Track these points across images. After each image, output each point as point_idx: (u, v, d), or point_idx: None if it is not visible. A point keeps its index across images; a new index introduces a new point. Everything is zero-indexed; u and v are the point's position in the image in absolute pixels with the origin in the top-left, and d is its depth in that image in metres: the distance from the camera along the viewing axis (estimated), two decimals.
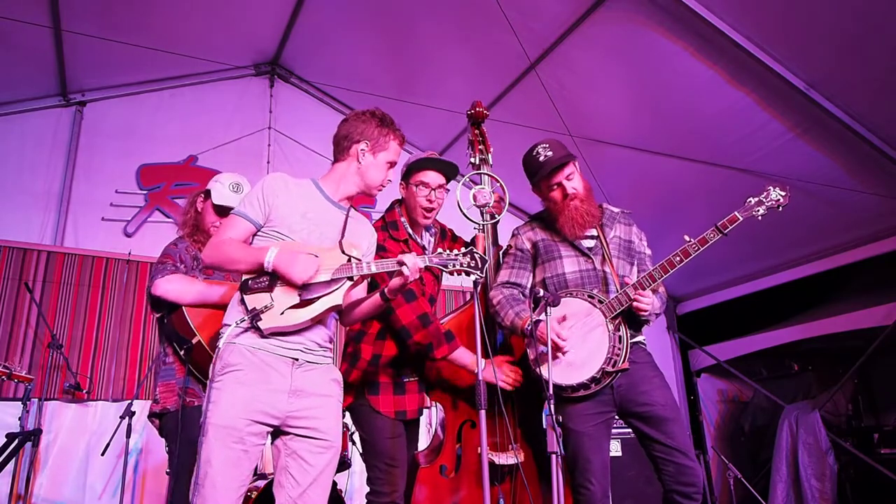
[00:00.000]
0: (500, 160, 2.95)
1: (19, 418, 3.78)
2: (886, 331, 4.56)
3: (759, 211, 2.49)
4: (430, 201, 2.68)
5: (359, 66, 5.30)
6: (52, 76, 4.78)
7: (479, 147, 2.88)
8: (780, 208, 2.48)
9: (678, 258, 2.44)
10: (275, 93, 5.74)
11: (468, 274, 2.16)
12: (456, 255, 2.16)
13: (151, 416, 2.59)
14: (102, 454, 3.93)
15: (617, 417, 2.59)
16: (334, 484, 3.89)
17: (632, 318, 2.53)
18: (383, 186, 2.33)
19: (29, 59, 4.55)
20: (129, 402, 3.84)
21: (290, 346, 2.06)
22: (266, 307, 2.00)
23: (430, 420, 4.86)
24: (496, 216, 2.79)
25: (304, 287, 2.03)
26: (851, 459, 4.88)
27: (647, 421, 2.47)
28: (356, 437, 3.46)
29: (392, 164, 2.33)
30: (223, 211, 2.65)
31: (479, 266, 2.16)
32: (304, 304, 2.05)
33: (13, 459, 3.71)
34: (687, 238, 2.46)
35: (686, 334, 6.16)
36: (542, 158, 2.63)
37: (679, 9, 3.69)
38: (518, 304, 2.60)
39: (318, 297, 2.06)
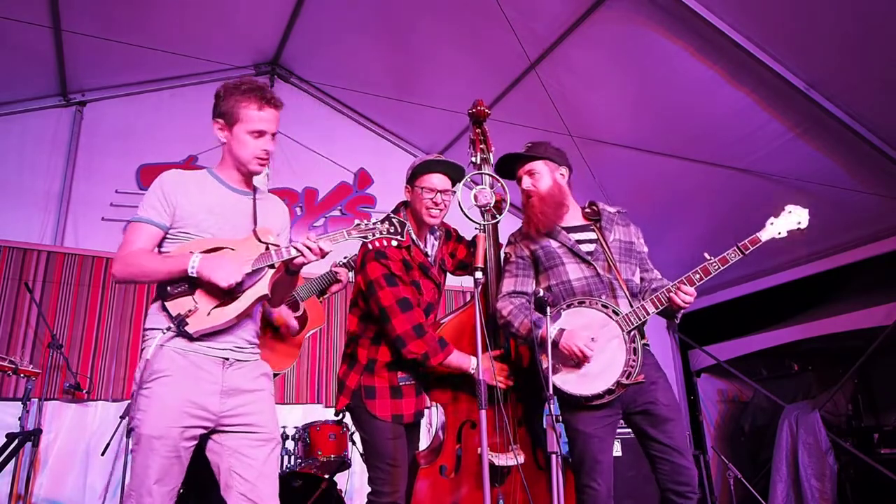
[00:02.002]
0: (496, 162, 2.95)
1: (19, 418, 3.77)
2: (886, 331, 4.55)
3: (780, 233, 2.48)
4: (436, 204, 2.67)
5: (359, 65, 5.30)
6: (52, 76, 4.78)
7: (481, 146, 2.88)
8: (801, 230, 2.48)
9: (698, 276, 2.44)
10: (275, 93, 5.72)
11: (390, 239, 2.11)
12: (374, 224, 2.11)
13: None
14: (102, 454, 3.94)
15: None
16: (334, 484, 3.90)
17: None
18: (260, 159, 2.15)
19: (29, 59, 4.55)
20: (129, 402, 3.85)
21: (220, 347, 2.03)
22: (190, 311, 1.95)
23: (431, 420, 4.86)
24: (497, 216, 2.78)
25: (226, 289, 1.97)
26: (851, 459, 4.88)
27: (648, 419, 2.48)
28: (356, 438, 3.47)
29: (259, 133, 2.12)
30: None
31: (399, 230, 2.12)
32: (229, 300, 2.00)
33: (13, 459, 3.70)
34: (707, 256, 2.46)
35: (686, 334, 6.16)
36: (511, 153, 2.68)
37: (679, 9, 3.69)
38: (531, 312, 2.58)
39: (243, 291, 2.01)
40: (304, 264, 2.07)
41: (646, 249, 2.77)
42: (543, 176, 2.66)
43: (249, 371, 2.10)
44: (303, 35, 5.21)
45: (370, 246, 2.62)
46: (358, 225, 2.10)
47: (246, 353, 2.10)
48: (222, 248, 2.03)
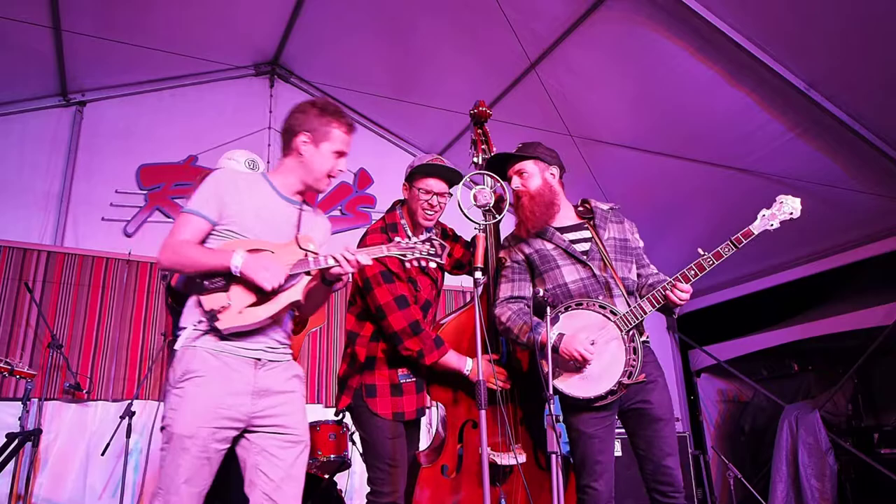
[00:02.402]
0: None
1: (19, 418, 3.77)
2: (886, 331, 4.55)
3: (773, 224, 2.47)
4: (432, 206, 2.69)
5: (359, 66, 5.30)
6: (52, 76, 4.78)
7: (482, 147, 2.89)
8: (793, 219, 2.47)
9: (693, 272, 2.44)
10: (275, 93, 5.74)
11: (429, 261, 2.14)
12: (414, 242, 2.11)
13: None
14: (102, 454, 3.94)
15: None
16: (334, 484, 3.90)
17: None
18: (331, 177, 2.22)
19: (29, 59, 4.55)
20: (129, 402, 3.85)
21: (252, 347, 2.04)
22: (223, 307, 1.96)
23: (431, 420, 4.86)
24: (497, 216, 2.78)
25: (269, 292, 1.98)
26: (851, 459, 4.88)
27: (639, 418, 2.49)
28: (356, 438, 3.47)
29: (339, 154, 2.19)
30: None
31: (439, 252, 2.12)
32: (262, 301, 2.00)
33: (13, 459, 3.71)
34: (701, 251, 2.45)
35: (686, 334, 6.16)
36: (501, 153, 2.67)
37: (679, 9, 3.70)
38: (529, 317, 2.58)
39: (277, 294, 2.01)
40: (339, 276, 2.09)
41: (641, 244, 2.76)
42: (533, 176, 2.65)
43: (281, 372, 2.11)
44: (303, 35, 5.21)
45: (367, 242, 2.65)
46: (399, 242, 2.12)
47: (278, 353, 2.12)
48: (263, 251, 2.04)
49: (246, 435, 2.04)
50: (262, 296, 2.00)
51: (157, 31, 4.68)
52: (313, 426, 3.89)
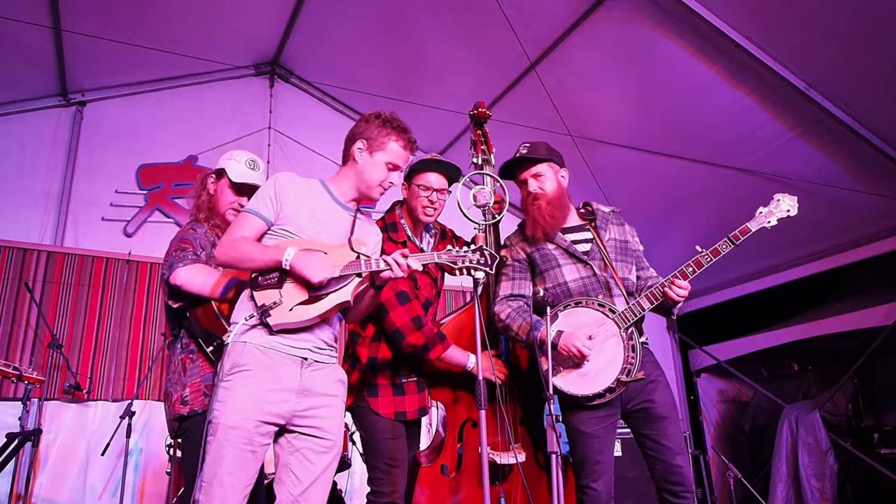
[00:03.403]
0: (500, 160, 2.95)
1: (19, 418, 3.78)
2: (886, 331, 4.55)
3: (770, 221, 2.47)
4: (432, 202, 2.69)
5: (359, 65, 5.30)
6: (52, 76, 4.79)
7: (482, 147, 2.88)
8: (790, 217, 2.47)
9: (690, 269, 2.44)
10: (275, 93, 5.74)
11: (477, 270, 2.14)
12: (465, 251, 2.14)
13: (179, 418, 2.33)
14: (102, 454, 3.94)
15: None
16: (334, 484, 3.89)
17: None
18: (383, 188, 2.27)
19: (29, 59, 4.55)
20: (129, 402, 3.86)
21: (299, 346, 2.07)
22: (275, 303, 2.01)
23: (431, 420, 4.86)
24: (497, 216, 2.78)
25: (316, 284, 2.03)
26: (851, 459, 4.88)
27: (644, 418, 2.49)
28: (356, 437, 3.47)
29: (393, 167, 2.26)
30: (243, 189, 2.55)
31: (490, 263, 2.14)
32: (312, 300, 2.04)
33: (13, 459, 3.70)
34: (699, 248, 2.45)
35: (686, 334, 6.16)
36: (516, 156, 2.65)
37: (679, 9, 3.70)
38: (529, 315, 2.59)
39: (327, 294, 2.05)
40: (389, 279, 2.12)
41: (641, 248, 2.77)
42: (549, 178, 2.65)
43: (327, 375, 2.14)
44: (303, 35, 5.21)
45: None
46: (450, 250, 2.14)
47: (324, 354, 2.14)
48: (316, 251, 2.08)
49: (284, 433, 2.07)
50: (313, 295, 2.04)
51: (157, 31, 4.68)
52: None
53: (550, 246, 2.64)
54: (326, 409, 2.10)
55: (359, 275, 2.08)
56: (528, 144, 2.71)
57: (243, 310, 2.08)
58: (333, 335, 2.20)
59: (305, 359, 2.07)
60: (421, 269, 2.10)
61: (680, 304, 2.49)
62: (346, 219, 2.26)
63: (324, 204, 2.23)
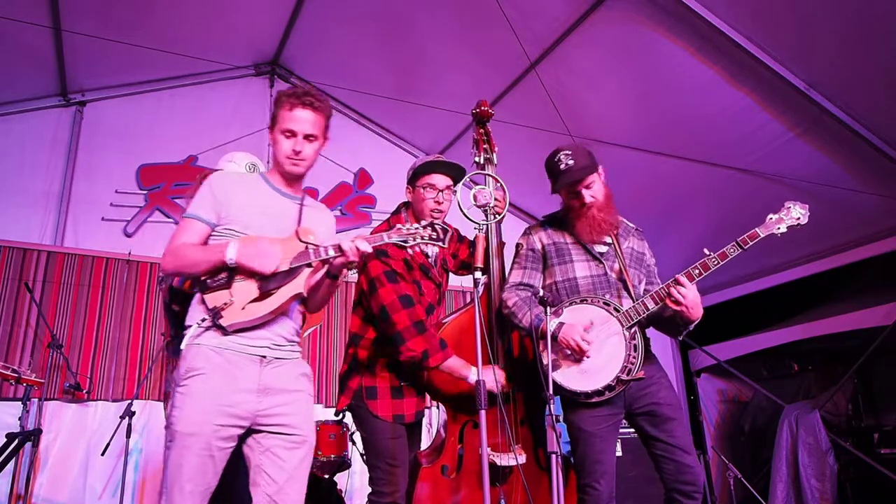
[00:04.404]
0: (501, 160, 2.95)
1: (19, 418, 3.78)
2: (886, 331, 4.55)
3: (780, 228, 2.46)
4: (439, 203, 2.68)
5: (359, 65, 5.30)
6: (52, 76, 4.78)
7: (484, 146, 2.88)
8: (800, 226, 2.47)
9: (697, 271, 2.43)
10: (275, 93, 5.71)
11: (429, 245, 2.10)
12: (416, 228, 2.10)
13: None
14: (102, 454, 3.94)
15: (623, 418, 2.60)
16: (334, 484, 3.90)
17: (658, 323, 2.55)
18: (291, 159, 2.16)
19: (29, 59, 4.55)
20: (129, 402, 3.86)
21: (256, 344, 2.03)
22: (226, 304, 1.97)
23: (431, 420, 4.87)
24: (497, 216, 2.78)
25: (264, 279, 1.99)
26: (851, 459, 4.88)
27: (651, 419, 2.48)
28: (356, 438, 3.46)
29: (290, 133, 2.14)
30: None
31: (441, 237, 2.10)
32: (264, 296, 2.00)
33: (13, 459, 3.70)
34: (707, 252, 2.45)
35: (686, 334, 6.15)
36: (562, 167, 2.61)
37: (679, 9, 3.69)
38: (535, 306, 2.60)
39: (279, 288, 2.01)
40: (343, 266, 2.08)
41: (655, 268, 2.80)
42: (597, 184, 2.66)
43: (289, 370, 2.10)
44: (303, 35, 5.21)
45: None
46: (399, 228, 2.10)
47: (284, 350, 2.10)
48: (259, 238, 2.05)
49: (251, 434, 2.03)
50: (265, 291, 2.00)
51: (157, 31, 4.68)
52: (314, 426, 3.90)
53: (569, 240, 2.66)
54: (292, 406, 2.06)
55: (309, 265, 2.04)
56: (569, 152, 2.64)
57: (195, 314, 2.03)
58: (294, 329, 2.16)
59: (264, 357, 2.04)
60: (370, 251, 2.04)
61: (689, 312, 2.43)
62: (292, 208, 2.22)
63: (266, 197, 2.19)
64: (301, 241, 2.09)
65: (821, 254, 5.01)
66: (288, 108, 2.15)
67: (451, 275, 3.02)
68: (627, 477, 4.14)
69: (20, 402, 3.80)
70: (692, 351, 6.23)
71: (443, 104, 5.00)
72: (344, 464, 3.93)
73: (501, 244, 2.93)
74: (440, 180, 2.69)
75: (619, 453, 4.16)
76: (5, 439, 3.51)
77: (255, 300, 2.00)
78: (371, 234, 2.68)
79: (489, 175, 2.67)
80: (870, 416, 5.37)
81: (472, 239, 2.91)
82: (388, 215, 2.90)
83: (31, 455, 4.14)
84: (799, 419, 5.12)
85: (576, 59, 4.43)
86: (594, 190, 2.64)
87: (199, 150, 5.22)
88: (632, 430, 2.64)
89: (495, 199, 2.65)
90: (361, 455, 2.84)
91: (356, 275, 2.77)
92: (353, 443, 3.96)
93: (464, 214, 2.37)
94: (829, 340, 5.12)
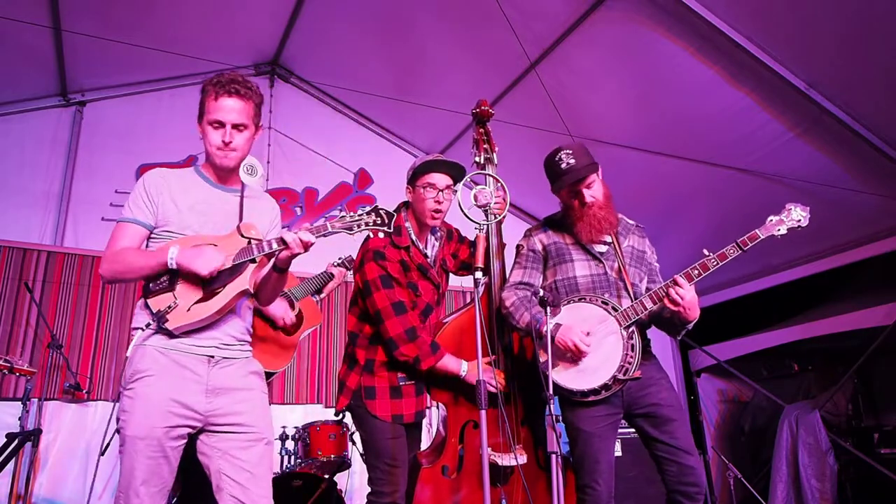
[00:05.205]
0: (501, 160, 2.95)
1: (19, 418, 3.78)
2: (886, 331, 4.55)
3: (780, 230, 2.46)
4: (439, 203, 2.67)
5: (359, 65, 5.30)
6: (52, 76, 4.78)
7: (484, 146, 2.88)
8: (801, 228, 2.47)
9: (696, 272, 2.43)
10: (275, 93, 5.74)
11: (375, 231, 2.04)
12: (360, 215, 2.03)
13: None
14: (102, 454, 3.93)
15: (622, 418, 2.59)
16: (334, 484, 3.89)
17: (658, 323, 2.55)
18: (221, 150, 2.10)
19: (29, 59, 4.55)
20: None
21: (204, 344, 2.00)
22: (170, 307, 1.94)
23: (431, 420, 4.86)
24: (497, 216, 2.78)
25: (207, 279, 1.95)
26: (851, 459, 4.87)
27: (652, 421, 2.48)
28: (356, 437, 3.46)
29: (217, 123, 2.08)
30: None
31: (386, 222, 2.04)
32: (209, 295, 1.97)
33: (13, 459, 3.70)
34: (706, 252, 2.45)
35: (686, 334, 6.15)
36: (563, 166, 2.61)
37: (679, 9, 3.69)
38: (533, 306, 2.60)
39: (223, 287, 1.98)
40: (289, 258, 2.02)
41: (657, 265, 2.79)
42: (597, 183, 2.67)
43: (237, 369, 2.06)
44: (303, 35, 5.21)
45: (369, 245, 2.64)
46: (343, 217, 2.02)
47: (233, 350, 2.07)
48: (203, 245, 2.00)
49: (205, 438, 2.00)
50: (209, 291, 1.97)
51: (157, 31, 4.68)
52: (313, 426, 3.90)
53: (569, 240, 2.66)
54: (243, 404, 2.02)
55: (253, 261, 2.00)
56: (570, 151, 2.65)
57: (140, 319, 1.99)
58: (244, 328, 2.13)
59: (212, 357, 2.00)
60: (314, 241, 1.97)
61: (687, 313, 2.44)
62: (232, 202, 2.16)
63: (203, 193, 2.13)
64: (243, 236, 2.05)
65: (821, 254, 5.01)
66: (213, 97, 2.07)
67: (450, 275, 3.02)
68: (627, 477, 4.14)
69: (20, 402, 3.79)
70: (692, 351, 6.23)
71: (443, 104, 5.00)
72: (344, 464, 3.93)
73: (502, 244, 2.93)
74: (440, 180, 2.68)
75: (618, 453, 4.17)
76: (5, 439, 3.51)
77: (200, 301, 1.96)
78: (370, 239, 2.69)
79: (490, 175, 2.67)
80: (870, 416, 5.37)
81: (472, 239, 2.91)
82: None
83: (31, 455, 4.14)
84: (799, 419, 5.12)
85: (576, 59, 4.43)
86: (594, 190, 2.64)
87: (199, 150, 5.15)
88: (632, 429, 2.64)
89: (496, 199, 2.66)
90: (361, 455, 2.83)
91: (352, 274, 2.77)
92: (353, 443, 3.96)
93: (464, 214, 2.37)
94: (829, 340, 5.12)
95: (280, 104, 5.72)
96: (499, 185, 2.68)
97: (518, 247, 2.82)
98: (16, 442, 3.53)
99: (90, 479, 4.34)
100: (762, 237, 2.45)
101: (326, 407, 5.09)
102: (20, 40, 4.28)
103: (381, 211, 2.05)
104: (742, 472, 4.80)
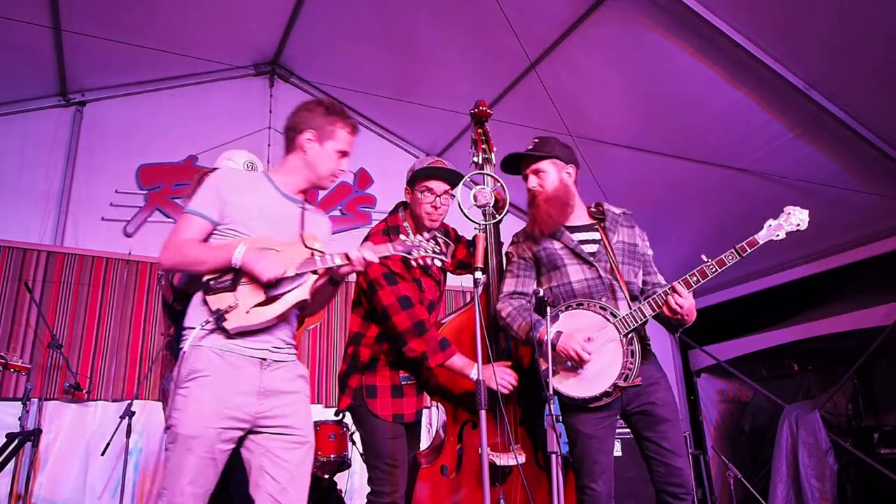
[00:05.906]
0: (501, 160, 2.95)
1: (19, 418, 3.78)
2: (886, 331, 4.55)
3: (778, 235, 2.44)
4: (436, 207, 2.69)
5: (359, 66, 5.30)
6: (52, 76, 4.79)
7: (483, 146, 2.88)
8: (800, 232, 2.46)
9: (695, 278, 2.42)
10: (275, 93, 5.74)
11: (433, 259, 2.15)
12: (420, 241, 2.12)
13: None
14: (102, 454, 3.93)
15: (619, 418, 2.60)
16: (334, 484, 3.90)
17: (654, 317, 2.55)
18: (335, 177, 2.24)
19: (29, 59, 4.55)
20: (129, 402, 3.85)
21: (257, 346, 2.03)
22: (231, 307, 1.95)
23: (431, 420, 4.86)
24: (497, 216, 2.78)
25: (270, 284, 1.98)
26: (851, 459, 4.87)
27: (645, 419, 2.48)
28: (356, 437, 3.47)
29: (343, 154, 2.22)
30: None
31: (444, 250, 2.14)
32: (269, 300, 2.00)
33: (13, 459, 3.71)
34: (705, 258, 2.44)
35: (686, 334, 6.16)
36: (524, 151, 2.65)
37: (679, 9, 3.69)
38: (530, 314, 2.57)
39: (284, 293, 2.01)
40: (348, 274, 2.11)
41: (650, 252, 2.75)
42: (550, 175, 2.63)
43: (286, 372, 2.10)
44: (303, 35, 5.21)
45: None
46: (404, 240, 2.14)
47: (283, 353, 2.11)
48: (268, 249, 2.04)
49: (251, 436, 2.03)
50: (270, 295, 2.00)
51: (158, 31, 4.68)
52: (313, 426, 3.90)
53: (557, 245, 2.62)
54: (291, 406, 2.06)
55: (315, 272, 2.05)
56: (537, 140, 2.68)
57: (198, 315, 2.01)
58: (291, 332, 2.17)
59: (264, 359, 2.03)
60: (377, 260, 2.10)
61: (685, 318, 2.45)
62: (295, 212, 2.21)
63: (270, 199, 2.17)
64: (307, 247, 2.09)
65: (820, 254, 5.01)
66: (349, 130, 2.23)
67: (449, 275, 3.02)
68: (626, 477, 4.14)
69: (20, 402, 3.80)
70: (692, 351, 6.23)
71: (443, 104, 5.00)
72: (344, 464, 3.93)
73: (501, 244, 2.93)
74: (438, 186, 2.70)
75: (618, 453, 4.16)
76: (5, 439, 3.52)
77: (260, 304, 1.99)
78: (370, 238, 2.69)
79: (490, 175, 2.67)
80: (870, 416, 5.36)
81: (469, 239, 2.91)
82: (386, 215, 2.90)
83: (31, 455, 4.14)
84: (799, 419, 5.12)
85: (576, 59, 4.43)
86: (543, 179, 2.62)
87: (199, 149, 5.23)
88: (629, 429, 2.64)
89: (496, 199, 2.66)
90: (361, 455, 2.84)
91: (355, 275, 2.77)
92: (353, 443, 3.96)
93: (464, 214, 2.37)
94: (828, 340, 5.12)
95: (280, 104, 5.71)
96: (499, 184, 2.67)
97: (507, 254, 2.78)
98: (16, 442, 3.53)
99: (90, 479, 4.35)
100: (761, 242, 2.42)
101: (326, 407, 5.10)
102: (20, 40, 4.28)
103: (439, 240, 2.17)
104: (742, 472, 4.81)
